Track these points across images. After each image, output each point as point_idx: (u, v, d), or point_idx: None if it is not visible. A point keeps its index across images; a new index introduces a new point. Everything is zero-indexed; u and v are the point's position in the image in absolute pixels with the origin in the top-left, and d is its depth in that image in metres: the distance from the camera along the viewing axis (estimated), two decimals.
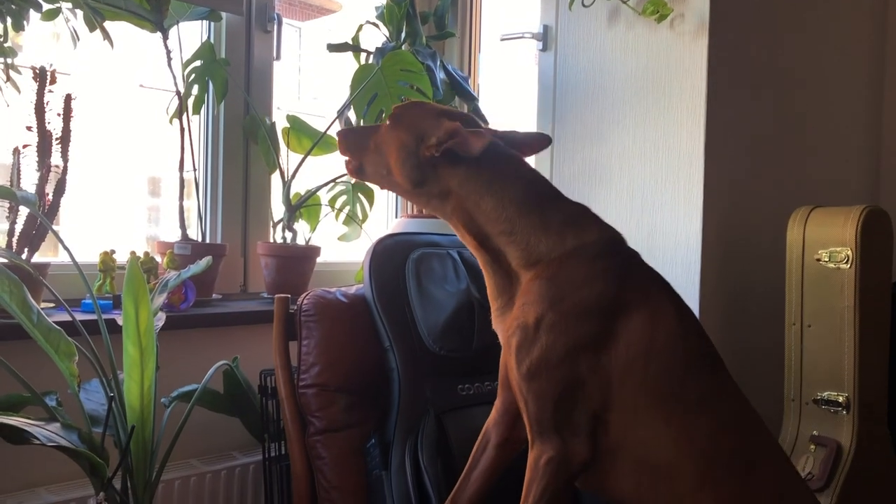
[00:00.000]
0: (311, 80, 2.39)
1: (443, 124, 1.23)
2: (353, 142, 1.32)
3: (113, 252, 1.79)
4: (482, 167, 1.23)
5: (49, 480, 1.58)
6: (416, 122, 1.26)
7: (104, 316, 1.48)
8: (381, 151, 1.28)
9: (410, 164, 1.24)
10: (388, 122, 1.29)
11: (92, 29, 1.66)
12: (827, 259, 1.83)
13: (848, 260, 1.80)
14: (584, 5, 2.05)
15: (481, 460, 1.34)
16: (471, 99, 2.30)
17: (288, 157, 2.10)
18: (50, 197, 1.61)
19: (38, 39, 1.71)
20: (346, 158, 1.33)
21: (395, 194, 2.52)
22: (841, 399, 1.82)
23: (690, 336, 1.20)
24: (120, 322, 1.40)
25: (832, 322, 1.82)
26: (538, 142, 1.36)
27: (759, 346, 2.13)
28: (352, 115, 2.14)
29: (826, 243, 1.84)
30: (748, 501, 1.14)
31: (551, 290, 1.17)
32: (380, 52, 2.09)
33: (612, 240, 1.24)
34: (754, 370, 2.06)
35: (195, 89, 1.93)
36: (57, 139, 1.61)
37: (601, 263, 1.19)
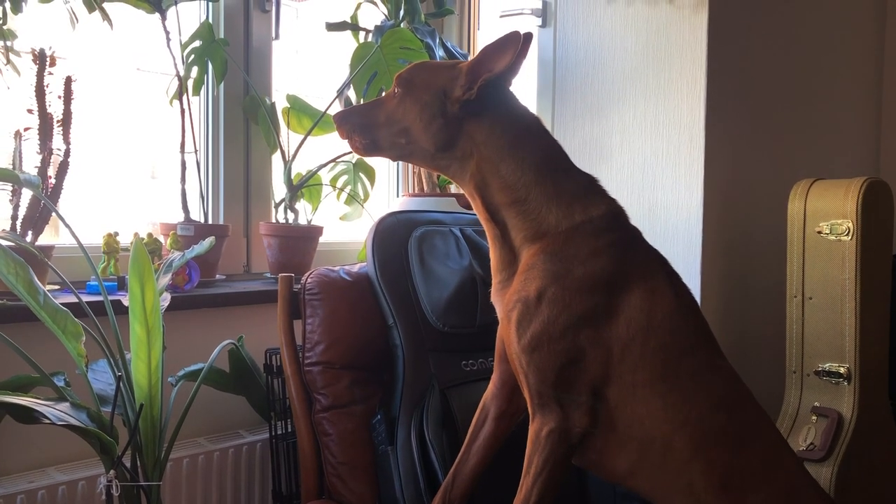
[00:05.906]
0: (309, 59, 2.38)
1: (458, 70, 1.21)
2: (358, 120, 1.28)
3: (116, 234, 1.79)
4: (505, 124, 1.22)
5: (58, 460, 1.60)
6: (431, 80, 1.22)
7: (109, 297, 1.49)
8: (395, 121, 1.24)
9: (437, 125, 1.21)
10: (397, 90, 1.25)
11: (91, 10, 1.65)
12: (828, 231, 1.83)
13: (849, 232, 1.80)
14: None
15: (481, 433, 1.36)
16: None
17: (288, 138, 2.10)
18: (52, 180, 1.61)
19: (34, 24, 1.70)
20: (352, 138, 1.29)
21: (395, 173, 2.52)
22: (842, 370, 1.83)
23: (687, 314, 1.20)
24: (125, 303, 1.41)
25: (833, 294, 1.83)
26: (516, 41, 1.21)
27: (761, 318, 2.14)
28: (351, 94, 2.14)
29: (827, 216, 1.84)
30: (739, 474, 1.15)
31: (555, 264, 1.18)
32: (379, 30, 2.08)
33: (616, 215, 1.25)
34: (756, 343, 2.07)
35: (194, 70, 1.92)
36: (58, 121, 1.61)
37: (605, 239, 1.20)
